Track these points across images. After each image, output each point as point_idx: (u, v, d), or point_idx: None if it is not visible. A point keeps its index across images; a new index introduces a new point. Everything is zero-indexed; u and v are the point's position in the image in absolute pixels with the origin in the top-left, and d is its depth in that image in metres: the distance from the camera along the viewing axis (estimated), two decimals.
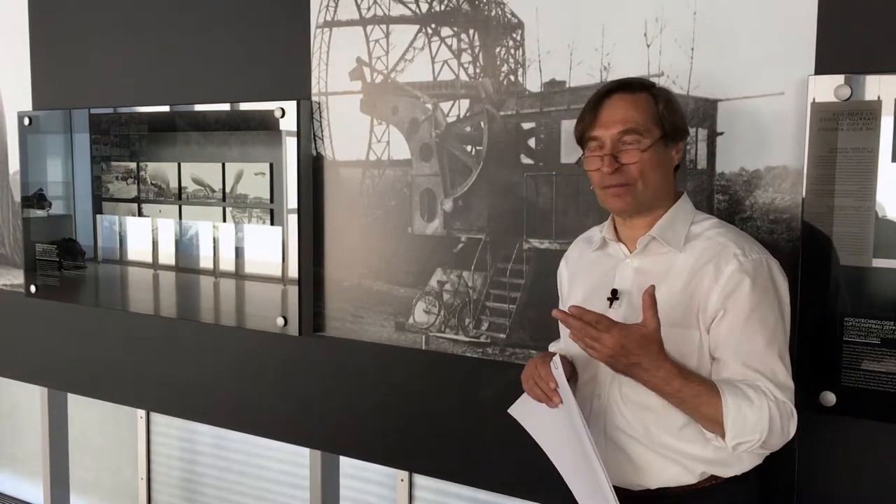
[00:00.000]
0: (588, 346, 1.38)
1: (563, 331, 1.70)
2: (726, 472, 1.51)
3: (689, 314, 1.46)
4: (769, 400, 1.39)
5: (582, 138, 1.54)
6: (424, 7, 2.15)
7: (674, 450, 1.49)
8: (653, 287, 1.37)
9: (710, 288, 1.45)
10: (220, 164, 2.49)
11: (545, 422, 1.55)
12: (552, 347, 1.79)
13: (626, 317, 1.49)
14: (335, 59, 2.30)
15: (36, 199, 2.96)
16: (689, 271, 1.48)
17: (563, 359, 1.54)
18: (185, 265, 2.62)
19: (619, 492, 1.47)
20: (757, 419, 1.38)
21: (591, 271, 1.62)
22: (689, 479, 1.50)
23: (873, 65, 1.60)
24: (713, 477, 1.51)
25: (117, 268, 2.78)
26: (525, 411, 1.62)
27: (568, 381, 1.50)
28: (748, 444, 1.40)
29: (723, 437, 1.40)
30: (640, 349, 1.35)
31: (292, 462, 3.07)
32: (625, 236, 1.57)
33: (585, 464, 1.46)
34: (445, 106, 2.13)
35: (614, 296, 1.53)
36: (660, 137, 1.48)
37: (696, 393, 1.39)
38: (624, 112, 1.48)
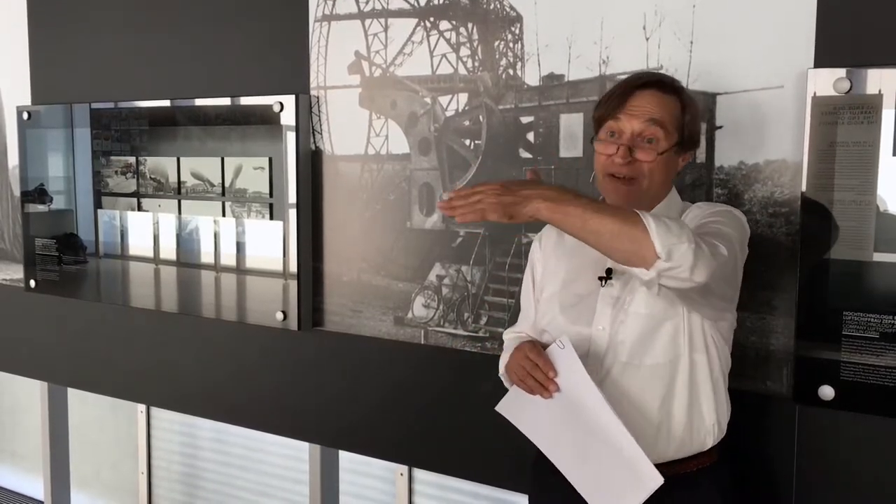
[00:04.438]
0: (478, 207, 1.30)
1: (528, 315, 1.70)
2: (705, 444, 1.52)
3: (673, 302, 1.46)
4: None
5: (601, 120, 1.53)
6: (423, 1, 2.14)
7: (668, 413, 1.49)
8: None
9: None
10: (219, 159, 2.48)
11: (541, 414, 1.49)
12: (508, 335, 1.75)
13: (621, 295, 1.51)
14: (333, 53, 2.30)
15: (37, 193, 2.96)
16: None
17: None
18: (186, 260, 2.62)
19: None
20: (679, 227, 1.29)
21: (575, 252, 1.59)
22: (680, 449, 1.51)
23: (874, 58, 1.60)
24: (689, 462, 1.52)
25: (118, 262, 2.78)
26: (516, 407, 1.55)
27: None
28: (680, 250, 1.26)
29: (650, 256, 1.27)
30: (522, 183, 1.33)
31: (292, 457, 3.07)
32: None
33: (601, 446, 1.41)
34: (444, 100, 2.13)
35: (608, 275, 1.53)
36: (676, 143, 1.49)
37: (602, 205, 1.34)
38: (652, 108, 1.48)
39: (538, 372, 1.47)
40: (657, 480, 1.37)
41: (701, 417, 1.52)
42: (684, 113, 1.50)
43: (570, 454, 1.48)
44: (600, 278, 1.54)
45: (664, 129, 1.47)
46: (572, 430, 1.44)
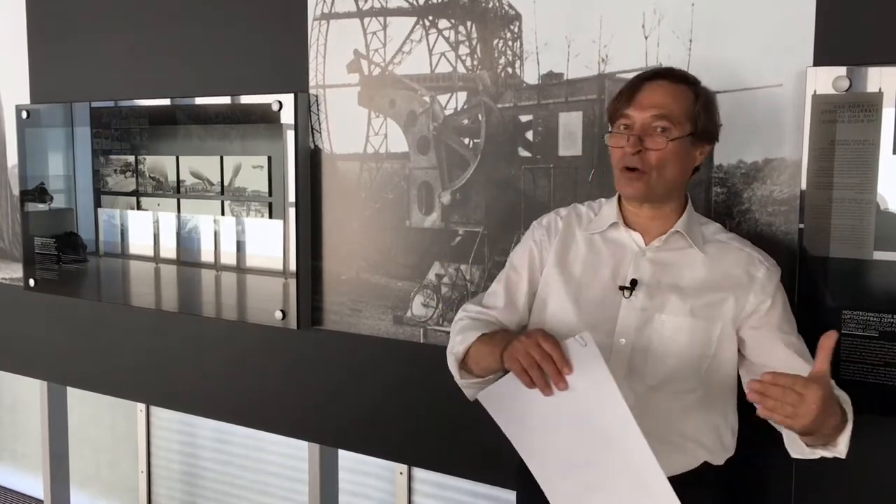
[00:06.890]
0: (789, 414, 1.19)
1: (511, 300, 1.61)
2: (718, 460, 1.52)
3: (714, 309, 1.47)
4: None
5: (613, 116, 1.52)
6: None
7: (680, 434, 1.48)
8: (835, 333, 1.26)
9: (745, 291, 1.49)
10: (218, 158, 2.48)
11: (532, 412, 1.32)
12: (470, 314, 1.62)
13: (645, 307, 1.48)
14: (332, 51, 2.29)
15: (36, 192, 2.96)
16: (710, 269, 1.50)
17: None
18: (186, 259, 2.61)
19: None
20: (851, 412, 1.38)
21: (591, 252, 1.56)
22: (691, 463, 1.51)
23: (873, 56, 1.59)
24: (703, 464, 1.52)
25: (118, 261, 2.77)
26: (502, 397, 1.37)
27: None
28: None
29: (825, 444, 1.36)
30: (829, 398, 1.24)
31: (292, 455, 3.07)
32: (634, 224, 1.55)
33: (609, 462, 1.27)
34: (443, 98, 2.12)
35: (633, 286, 1.49)
36: (689, 133, 1.47)
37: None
38: (661, 98, 1.46)
39: (549, 365, 1.28)
40: None
41: (708, 438, 1.52)
42: (696, 102, 1.47)
43: (556, 462, 1.34)
44: (622, 288, 1.49)
45: (673, 118, 1.45)
46: (571, 437, 1.30)
